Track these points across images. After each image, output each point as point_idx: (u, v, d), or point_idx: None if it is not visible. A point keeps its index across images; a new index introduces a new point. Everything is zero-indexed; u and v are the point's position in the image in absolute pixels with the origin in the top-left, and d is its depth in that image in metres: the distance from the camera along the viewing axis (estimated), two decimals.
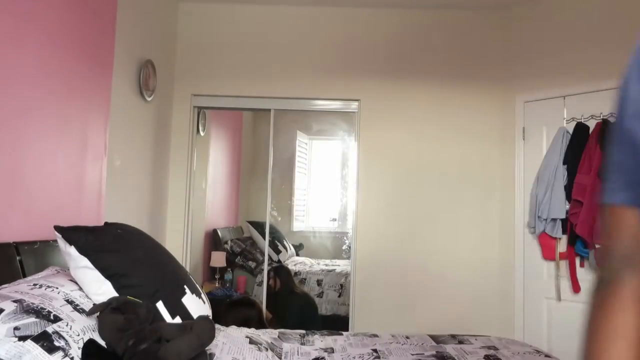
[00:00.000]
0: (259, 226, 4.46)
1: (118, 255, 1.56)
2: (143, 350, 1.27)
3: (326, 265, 4.49)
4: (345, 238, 4.62)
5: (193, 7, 3.62)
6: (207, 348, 1.49)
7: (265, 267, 3.73)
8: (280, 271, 4.06)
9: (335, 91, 3.58)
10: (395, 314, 3.41)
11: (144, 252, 1.66)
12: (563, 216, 2.95)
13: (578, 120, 3.00)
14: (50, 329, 1.21)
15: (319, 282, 4.21)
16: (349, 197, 4.22)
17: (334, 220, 4.79)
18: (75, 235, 1.54)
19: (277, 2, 3.56)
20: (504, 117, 3.46)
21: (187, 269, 3.41)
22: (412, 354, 1.81)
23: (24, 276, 1.65)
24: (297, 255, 4.78)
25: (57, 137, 2.09)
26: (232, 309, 2.97)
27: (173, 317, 1.57)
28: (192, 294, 1.73)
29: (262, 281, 3.83)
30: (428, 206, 3.49)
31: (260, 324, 2.86)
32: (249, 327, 2.54)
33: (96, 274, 1.50)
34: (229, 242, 4.52)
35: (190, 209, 3.62)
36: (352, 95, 3.58)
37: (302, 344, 1.95)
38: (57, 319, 1.26)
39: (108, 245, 1.57)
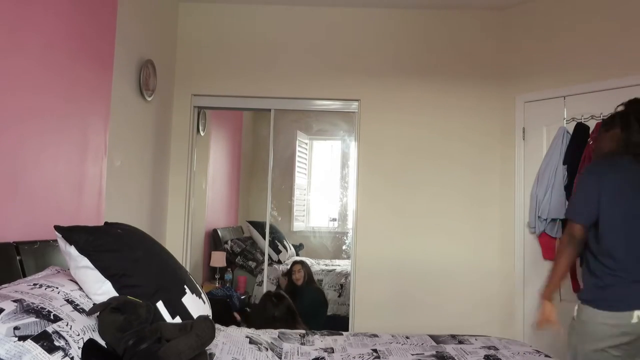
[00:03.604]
0: (259, 226, 4.46)
1: (118, 255, 1.56)
2: (143, 350, 1.27)
3: (326, 265, 4.49)
4: (345, 238, 4.62)
5: (193, 7, 3.62)
6: (207, 348, 1.49)
7: (266, 267, 3.73)
8: (304, 265, 4.05)
9: (335, 91, 3.58)
10: (395, 314, 3.41)
11: (144, 252, 1.66)
12: (563, 216, 2.95)
13: (578, 120, 2.99)
14: (50, 328, 1.21)
15: (319, 282, 4.21)
16: (349, 197, 4.23)
17: (334, 220, 4.79)
18: (76, 235, 1.53)
19: (277, 2, 3.56)
20: (504, 117, 3.46)
21: (187, 269, 3.41)
22: (412, 354, 1.81)
23: (24, 276, 1.65)
24: (297, 255, 4.78)
25: (57, 137, 2.09)
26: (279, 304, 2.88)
27: (173, 317, 1.57)
28: (192, 293, 1.73)
29: (262, 281, 3.83)
30: (428, 206, 3.49)
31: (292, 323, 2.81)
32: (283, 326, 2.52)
33: (96, 274, 1.49)
34: (229, 242, 4.52)
35: (190, 209, 3.62)
36: (352, 95, 3.58)
37: (302, 344, 1.94)
38: (57, 319, 1.25)
39: (108, 245, 1.57)
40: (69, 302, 1.38)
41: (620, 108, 2.07)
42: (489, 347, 1.92)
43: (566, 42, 3.16)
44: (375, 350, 1.86)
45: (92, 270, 1.50)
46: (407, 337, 2.06)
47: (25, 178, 1.88)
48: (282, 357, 1.75)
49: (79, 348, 1.24)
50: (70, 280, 1.53)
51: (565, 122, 3.08)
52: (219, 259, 4.20)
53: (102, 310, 1.35)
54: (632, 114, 1.98)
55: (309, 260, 4.59)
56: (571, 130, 3.01)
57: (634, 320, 1.80)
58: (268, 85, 3.58)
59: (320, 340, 1.99)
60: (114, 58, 2.58)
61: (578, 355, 1.92)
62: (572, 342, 1.97)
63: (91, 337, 1.31)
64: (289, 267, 4.08)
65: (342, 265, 4.41)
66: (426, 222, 3.48)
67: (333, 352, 1.84)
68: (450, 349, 1.90)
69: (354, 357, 1.77)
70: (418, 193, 3.50)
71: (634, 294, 1.83)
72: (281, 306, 2.86)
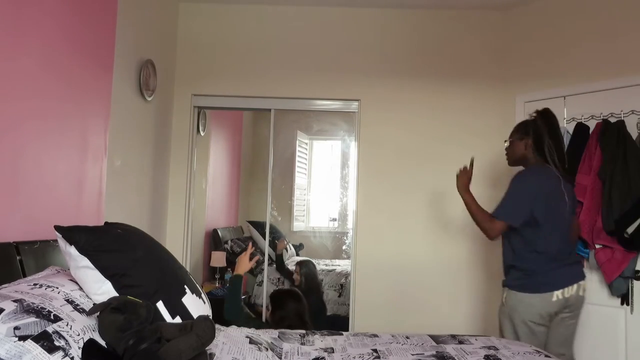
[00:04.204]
0: (259, 226, 4.46)
1: (118, 255, 1.56)
2: (143, 350, 1.27)
3: (326, 265, 4.49)
4: (345, 238, 4.62)
5: (193, 7, 3.62)
6: (207, 348, 1.49)
7: (266, 267, 3.73)
8: (304, 267, 4.05)
9: (335, 91, 3.58)
10: (395, 314, 3.41)
11: (144, 252, 1.66)
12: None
13: (578, 120, 2.99)
14: (50, 328, 1.21)
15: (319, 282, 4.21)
16: (349, 197, 4.22)
17: (334, 220, 4.79)
18: (76, 235, 1.53)
19: (277, 2, 3.56)
20: (504, 117, 3.46)
21: (187, 269, 3.41)
22: (412, 354, 1.81)
23: (24, 276, 1.65)
24: (297, 255, 4.78)
25: (57, 137, 2.09)
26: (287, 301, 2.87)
27: (173, 317, 1.57)
28: (192, 293, 1.73)
29: (262, 281, 3.83)
30: (428, 206, 3.49)
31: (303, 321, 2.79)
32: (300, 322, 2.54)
33: (96, 274, 1.49)
34: (229, 242, 4.52)
35: (190, 209, 3.62)
36: (352, 95, 3.58)
37: (302, 344, 1.94)
38: (57, 319, 1.25)
39: (108, 245, 1.57)
40: (69, 302, 1.38)
41: (533, 116, 2.41)
42: (489, 347, 1.92)
43: (566, 42, 3.16)
44: (375, 350, 1.85)
45: (92, 270, 1.49)
46: (407, 337, 2.06)
47: (26, 178, 1.88)
48: (282, 357, 1.75)
49: (79, 348, 1.24)
50: (70, 280, 1.53)
51: (565, 122, 3.08)
52: (219, 259, 4.20)
53: (102, 310, 1.35)
54: (543, 125, 2.35)
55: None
56: (571, 130, 3.01)
57: (554, 299, 2.25)
58: (268, 85, 3.58)
59: (320, 340, 1.99)
60: (114, 58, 2.58)
61: (518, 329, 2.33)
62: (508, 323, 2.40)
63: (91, 337, 1.31)
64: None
65: (342, 265, 4.41)
66: (426, 222, 3.48)
67: (333, 352, 1.84)
68: (450, 349, 1.89)
69: (354, 357, 1.77)
70: (418, 193, 3.50)
71: (554, 278, 2.28)
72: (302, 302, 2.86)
